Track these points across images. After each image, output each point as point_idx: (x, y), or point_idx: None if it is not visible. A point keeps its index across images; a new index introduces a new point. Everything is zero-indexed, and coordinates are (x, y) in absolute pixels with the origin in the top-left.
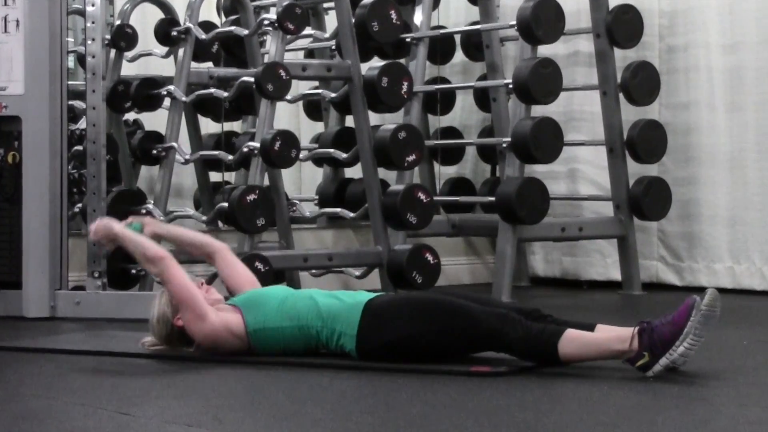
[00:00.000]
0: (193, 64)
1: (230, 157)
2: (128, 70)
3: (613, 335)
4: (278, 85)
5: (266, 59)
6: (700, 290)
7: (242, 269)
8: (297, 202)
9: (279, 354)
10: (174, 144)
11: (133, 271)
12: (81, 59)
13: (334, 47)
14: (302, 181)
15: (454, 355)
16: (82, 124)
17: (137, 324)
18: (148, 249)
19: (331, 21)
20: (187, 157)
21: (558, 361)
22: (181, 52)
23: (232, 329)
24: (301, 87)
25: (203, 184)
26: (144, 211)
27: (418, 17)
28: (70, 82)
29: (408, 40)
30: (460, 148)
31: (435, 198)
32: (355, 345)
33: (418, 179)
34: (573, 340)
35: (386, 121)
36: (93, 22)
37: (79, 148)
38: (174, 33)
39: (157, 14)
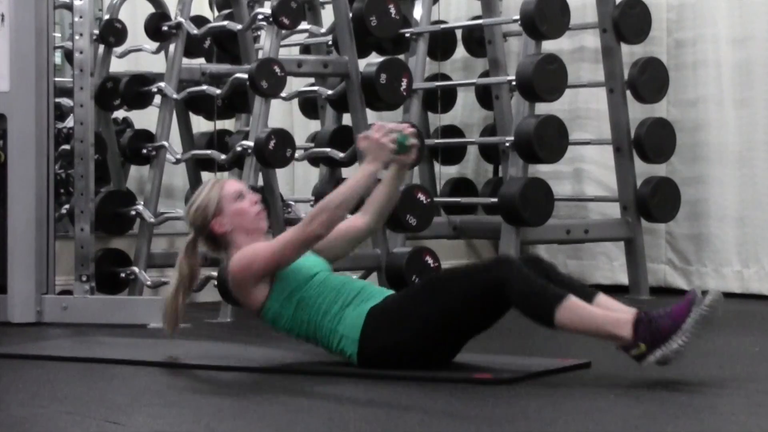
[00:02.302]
0: (185, 60)
1: (223, 156)
2: (117, 66)
3: (611, 317)
4: (273, 81)
5: (260, 55)
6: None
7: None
8: (292, 203)
9: (280, 331)
10: (165, 143)
11: (122, 275)
12: (68, 55)
13: (330, 43)
14: (297, 182)
15: (469, 327)
16: (69, 122)
17: (126, 330)
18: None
19: (327, 15)
20: (179, 156)
21: (552, 325)
22: (172, 47)
23: (256, 294)
24: (296, 84)
25: (195, 184)
26: (133, 212)
27: (417, 11)
28: (57, 79)
29: (407, 35)
30: (462, 147)
31: (435, 199)
32: (356, 350)
33: (418, 179)
34: (572, 310)
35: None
36: (81, 17)
37: (67, 147)
38: (165, 28)
39: (147, 8)
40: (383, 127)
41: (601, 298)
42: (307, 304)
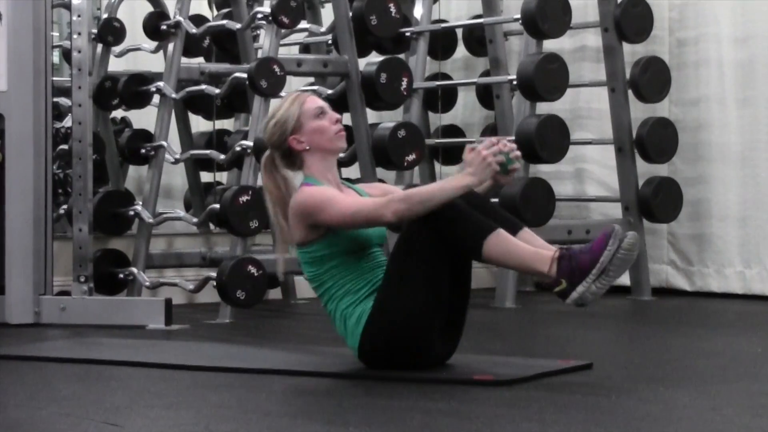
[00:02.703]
0: (184, 60)
1: (222, 156)
2: (116, 65)
3: (535, 253)
4: (272, 81)
5: (260, 54)
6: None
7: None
8: None
9: (304, 272)
10: (163, 143)
11: (121, 276)
12: (66, 54)
13: (330, 42)
14: (297, 182)
15: (445, 280)
16: (67, 122)
17: (125, 331)
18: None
19: (327, 14)
20: (177, 156)
21: (480, 258)
22: (171, 46)
23: (307, 232)
24: (295, 83)
25: (194, 184)
26: (132, 212)
27: (418, 10)
28: (55, 79)
29: (408, 34)
30: (462, 147)
31: None
32: (357, 345)
33: (418, 179)
34: (500, 244)
35: (385, 119)
36: (79, 16)
37: (65, 147)
38: (163, 27)
39: (145, 7)
40: (494, 144)
41: (526, 232)
42: (339, 272)
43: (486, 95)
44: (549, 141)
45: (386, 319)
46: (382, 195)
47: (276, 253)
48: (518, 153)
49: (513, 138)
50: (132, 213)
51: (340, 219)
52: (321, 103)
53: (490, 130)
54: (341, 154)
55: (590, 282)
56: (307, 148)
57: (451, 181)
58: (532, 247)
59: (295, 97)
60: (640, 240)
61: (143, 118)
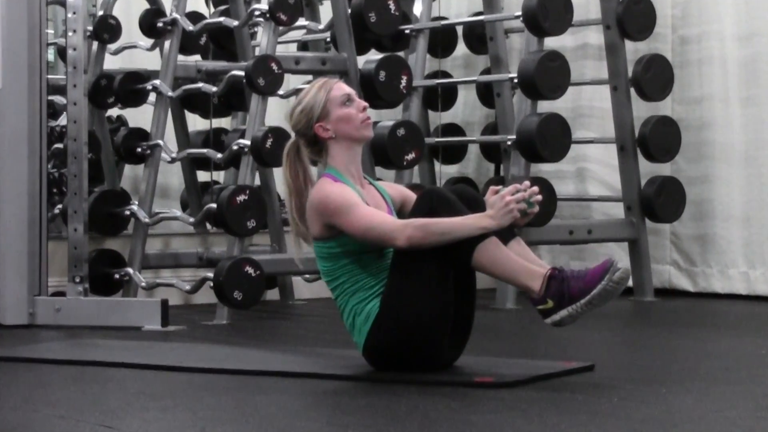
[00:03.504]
0: (180, 57)
1: (219, 155)
2: (111, 63)
3: (525, 268)
4: (270, 79)
5: (257, 52)
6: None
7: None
8: None
9: (318, 265)
10: (160, 142)
11: (116, 276)
12: (61, 52)
13: (328, 39)
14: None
15: (449, 277)
16: (62, 120)
17: (121, 332)
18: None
19: (325, 11)
20: (174, 155)
21: (469, 264)
22: (167, 44)
23: (323, 229)
24: (293, 81)
25: (191, 183)
26: (128, 212)
27: (417, 7)
28: (49, 77)
29: (407, 31)
30: (462, 146)
31: None
32: (363, 343)
33: (418, 179)
34: (490, 252)
35: (384, 118)
36: (74, 13)
37: (60, 146)
38: (160, 24)
39: (141, 4)
40: (518, 191)
41: (518, 242)
42: (353, 269)
43: (486, 93)
44: (550, 140)
45: (396, 320)
46: (401, 199)
47: (292, 246)
48: (539, 197)
49: (534, 186)
50: (128, 213)
51: (352, 229)
52: (348, 90)
53: (491, 129)
54: None
55: (575, 309)
56: (333, 136)
57: (470, 219)
58: (524, 261)
59: (323, 83)
60: (630, 274)
61: (139, 117)
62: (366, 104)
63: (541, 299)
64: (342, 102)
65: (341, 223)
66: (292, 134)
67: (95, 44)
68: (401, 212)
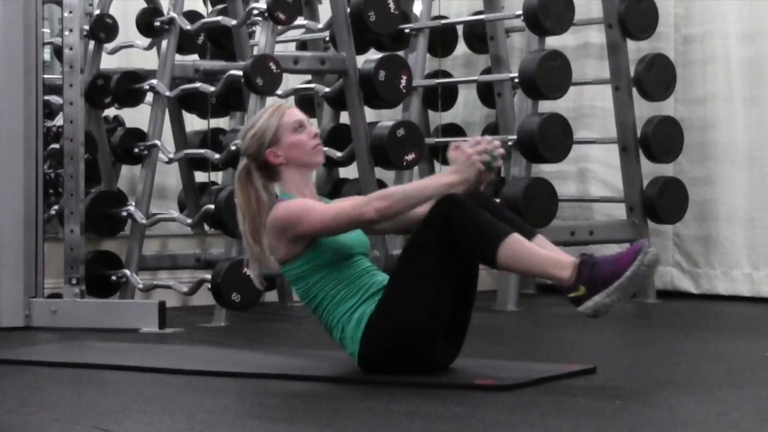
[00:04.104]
0: (178, 57)
1: (217, 155)
2: (108, 63)
3: (553, 258)
4: (268, 79)
5: (255, 51)
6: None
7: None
8: None
9: (294, 291)
10: (157, 142)
11: (113, 278)
12: (58, 51)
13: (328, 39)
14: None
15: (452, 285)
16: (58, 120)
17: (118, 334)
18: (434, 194)
19: (324, 11)
20: (171, 155)
21: (494, 264)
22: (164, 43)
23: (288, 249)
24: (292, 81)
25: (188, 184)
26: (125, 213)
27: (417, 7)
28: (46, 76)
29: (407, 30)
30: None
31: None
32: (357, 351)
33: (418, 179)
34: (515, 249)
35: (384, 118)
36: (71, 12)
37: (56, 146)
38: (157, 23)
39: (138, 3)
40: (479, 143)
41: (540, 239)
42: (327, 285)
43: (487, 93)
44: (551, 140)
45: (389, 321)
46: None
47: (249, 270)
48: (502, 151)
49: (495, 138)
50: (125, 214)
51: (321, 225)
52: (300, 116)
53: (491, 129)
54: (339, 154)
55: (608, 294)
56: (284, 162)
57: (434, 178)
58: (550, 252)
59: (275, 108)
60: (660, 259)
61: (136, 117)
62: (317, 131)
63: (573, 286)
64: (294, 128)
65: (307, 228)
66: (243, 158)
67: (92, 43)
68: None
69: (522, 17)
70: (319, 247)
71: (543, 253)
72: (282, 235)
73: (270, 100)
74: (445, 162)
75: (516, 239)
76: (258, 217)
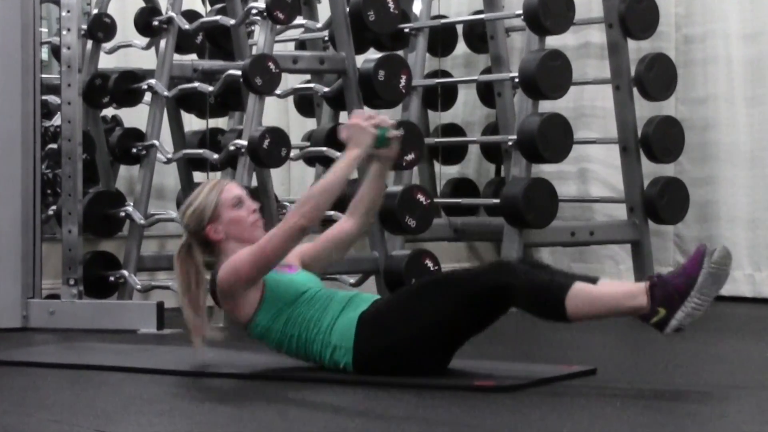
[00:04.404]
0: (176, 56)
1: (215, 156)
2: (106, 62)
3: (623, 291)
4: (267, 78)
5: (254, 51)
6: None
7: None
8: (287, 204)
9: (269, 346)
10: (155, 142)
11: (111, 279)
12: (55, 51)
13: (327, 38)
14: (292, 182)
15: (465, 332)
16: (56, 120)
17: (116, 335)
18: (341, 185)
19: (324, 10)
20: (170, 155)
21: (565, 317)
22: (163, 43)
23: (245, 306)
24: (291, 81)
25: (187, 184)
26: (123, 213)
27: (417, 6)
28: (43, 76)
29: (406, 30)
30: (463, 146)
31: (435, 200)
32: (351, 358)
33: (418, 180)
34: (581, 296)
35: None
36: (68, 11)
37: (54, 146)
38: (155, 23)
39: (137, 3)
40: (363, 113)
41: (604, 281)
42: (296, 321)
43: (487, 93)
44: (552, 140)
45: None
46: (302, 261)
47: (192, 342)
48: (392, 122)
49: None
50: (123, 214)
51: (259, 258)
52: (239, 191)
53: (492, 129)
54: (338, 154)
55: (689, 304)
56: (224, 237)
57: (338, 161)
58: (618, 287)
59: (214, 184)
60: (730, 253)
61: (134, 117)
62: (256, 206)
63: (652, 311)
64: (233, 204)
65: (248, 268)
66: (184, 234)
67: (90, 43)
68: (308, 267)
69: (522, 16)
70: (271, 295)
71: (611, 290)
72: (233, 293)
73: (269, 101)
74: (444, 162)
75: (579, 287)
76: (197, 290)
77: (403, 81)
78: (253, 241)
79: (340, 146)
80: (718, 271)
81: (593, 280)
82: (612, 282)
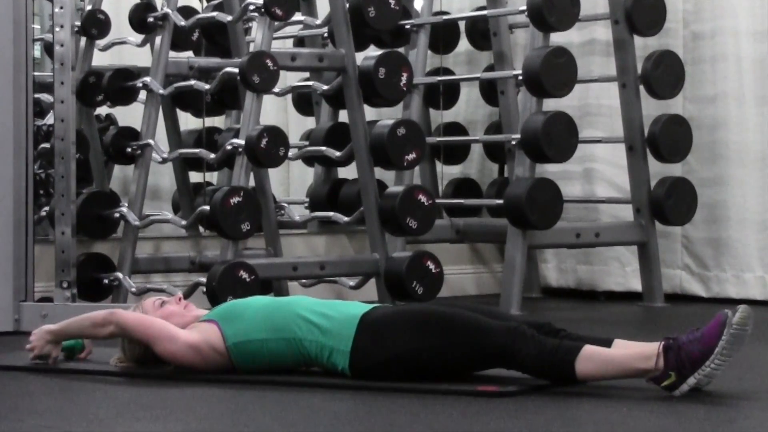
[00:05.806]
0: (172, 54)
1: (212, 155)
2: (100, 60)
3: (635, 352)
4: (265, 76)
5: (252, 48)
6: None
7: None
8: (285, 205)
9: (264, 370)
10: (150, 141)
11: (106, 281)
12: (48, 48)
13: (326, 35)
14: (291, 182)
15: (459, 372)
16: (49, 119)
17: (109, 339)
18: (93, 317)
19: (323, 6)
20: (165, 155)
21: (575, 380)
22: (158, 40)
23: (211, 343)
24: (290, 78)
25: (182, 185)
26: (117, 215)
27: (418, 2)
28: (36, 74)
29: (407, 27)
30: (465, 145)
31: (437, 200)
32: (348, 363)
33: (419, 180)
34: (591, 358)
35: (384, 116)
36: (61, 8)
37: (46, 145)
38: (150, 19)
39: None
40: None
41: (619, 342)
42: (275, 347)
43: (490, 91)
44: (556, 139)
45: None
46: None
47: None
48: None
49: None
50: (117, 215)
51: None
52: (155, 296)
53: (494, 128)
54: (337, 153)
55: (707, 369)
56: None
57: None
58: (629, 349)
59: (134, 307)
60: (752, 312)
61: (129, 115)
62: (180, 294)
63: (663, 375)
64: (158, 306)
65: (170, 351)
66: (135, 364)
67: (83, 40)
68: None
69: (526, 13)
70: (221, 319)
71: (621, 351)
72: (199, 357)
73: (267, 99)
74: (446, 162)
75: (588, 350)
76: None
77: (404, 79)
78: (193, 320)
79: (340, 145)
80: (740, 332)
81: (608, 342)
82: (625, 342)
